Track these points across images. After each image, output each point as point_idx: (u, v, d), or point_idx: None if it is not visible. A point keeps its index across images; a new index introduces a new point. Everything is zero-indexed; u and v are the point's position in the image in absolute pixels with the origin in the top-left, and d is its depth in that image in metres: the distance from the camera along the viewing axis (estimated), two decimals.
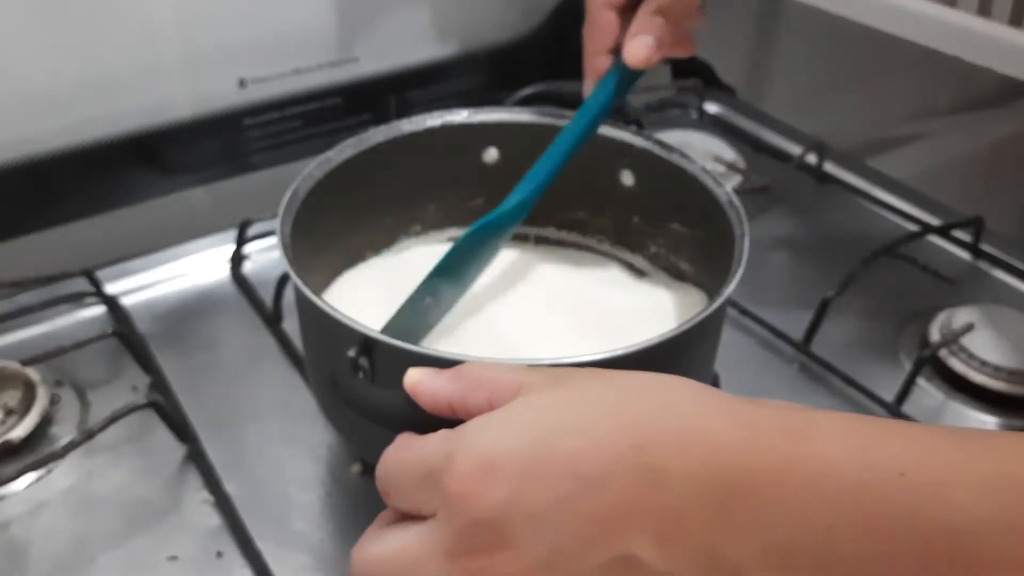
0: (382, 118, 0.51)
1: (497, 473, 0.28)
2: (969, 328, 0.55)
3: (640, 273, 0.53)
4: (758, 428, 0.28)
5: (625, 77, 0.47)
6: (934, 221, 0.67)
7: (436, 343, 0.47)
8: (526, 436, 0.29)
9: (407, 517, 0.32)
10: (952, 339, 0.54)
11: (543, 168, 0.46)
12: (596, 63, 0.47)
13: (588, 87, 0.48)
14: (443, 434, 0.31)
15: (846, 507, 0.27)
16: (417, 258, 0.53)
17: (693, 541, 0.28)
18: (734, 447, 0.28)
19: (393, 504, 0.32)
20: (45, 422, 0.50)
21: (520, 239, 0.55)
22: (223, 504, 0.46)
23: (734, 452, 0.28)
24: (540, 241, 0.56)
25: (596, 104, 0.47)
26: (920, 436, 0.28)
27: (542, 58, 0.75)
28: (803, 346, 0.56)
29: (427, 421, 0.33)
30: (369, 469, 0.48)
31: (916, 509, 0.26)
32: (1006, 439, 0.28)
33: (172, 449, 0.49)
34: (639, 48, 0.45)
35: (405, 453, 0.32)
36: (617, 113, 0.56)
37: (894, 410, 0.52)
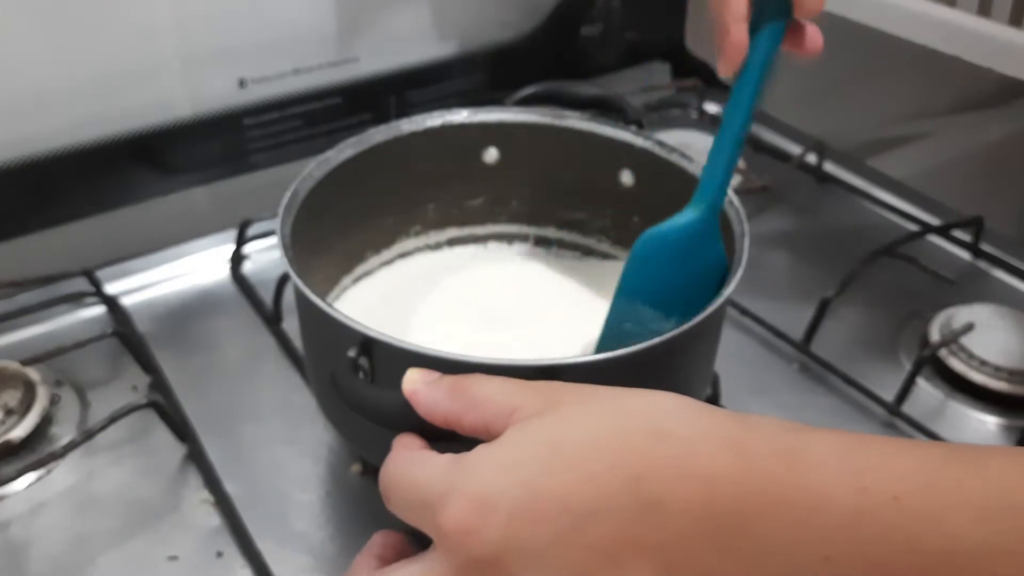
0: (382, 118, 0.51)
1: (492, 513, 0.28)
2: (969, 328, 0.55)
3: None
4: (752, 456, 0.28)
5: (775, 40, 0.41)
6: (934, 221, 0.67)
7: (439, 339, 0.47)
8: (519, 473, 0.29)
9: (397, 549, 0.33)
10: (952, 339, 0.54)
11: (719, 163, 0.42)
12: (736, 33, 0.41)
13: (726, 65, 0.41)
14: (442, 465, 0.31)
15: (842, 536, 0.27)
16: (417, 263, 0.54)
17: (695, 571, 0.28)
18: (729, 478, 0.28)
19: (393, 512, 0.32)
20: (45, 422, 0.50)
21: (520, 239, 0.55)
22: (223, 504, 0.46)
23: (729, 483, 0.28)
24: (540, 242, 0.56)
25: (756, 72, 0.41)
26: (914, 457, 0.28)
27: (542, 58, 0.74)
28: (803, 346, 0.56)
29: (426, 422, 0.34)
30: (369, 469, 0.48)
31: (912, 536, 0.26)
32: (1000, 457, 0.27)
33: (172, 449, 0.49)
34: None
35: (406, 470, 0.32)
36: (617, 113, 0.56)
37: (894, 410, 0.52)
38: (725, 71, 0.42)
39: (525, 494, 0.29)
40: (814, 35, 0.42)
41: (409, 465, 0.32)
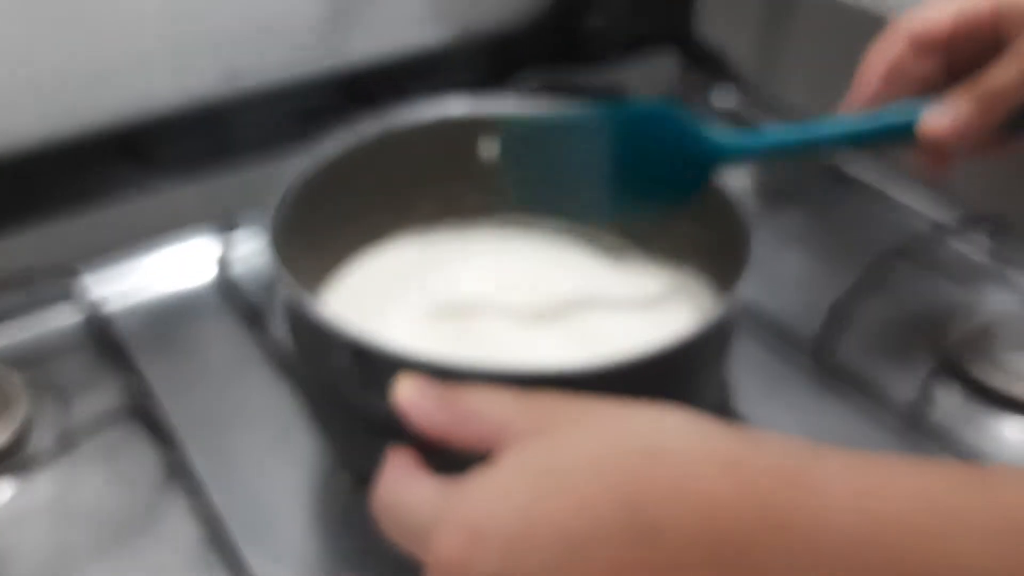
0: (376, 110, 0.51)
1: (485, 543, 0.28)
2: (989, 331, 0.54)
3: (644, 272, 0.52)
4: (752, 478, 0.28)
5: (893, 129, 0.43)
6: (953, 220, 0.65)
7: (432, 340, 0.46)
8: (513, 501, 0.28)
9: None
10: (971, 342, 0.53)
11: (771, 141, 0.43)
12: (867, 80, 0.45)
13: (847, 103, 0.45)
14: (434, 490, 0.31)
15: (845, 561, 0.26)
16: (414, 256, 0.52)
17: None
18: (728, 501, 0.27)
19: (386, 535, 0.32)
20: (25, 429, 0.49)
21: (521, 238, 0.54)
22: (209, 515, 0.45)
23: (728, 506, 0.27)
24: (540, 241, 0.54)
25: (837, 129, 0.43)
26: (921, 478, 0.28)
27: (545, 45, 0.74)
28: (816, 350, 0.55)
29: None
30: (362, 479, 0.46)
31: (918, 563, 0.26)
32: (1010, 479, 0.27)
33: (156, 458, 0.48)
34: (937, 120, 0.42)
35: (397, 494, 0.32)
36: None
37: (911, 416, 0.51)
38: (845, 107, 0.45)
39: (519, 523, 0.28)
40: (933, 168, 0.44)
41: (401, 488, 0.32)
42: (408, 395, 0.33)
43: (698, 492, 0.28)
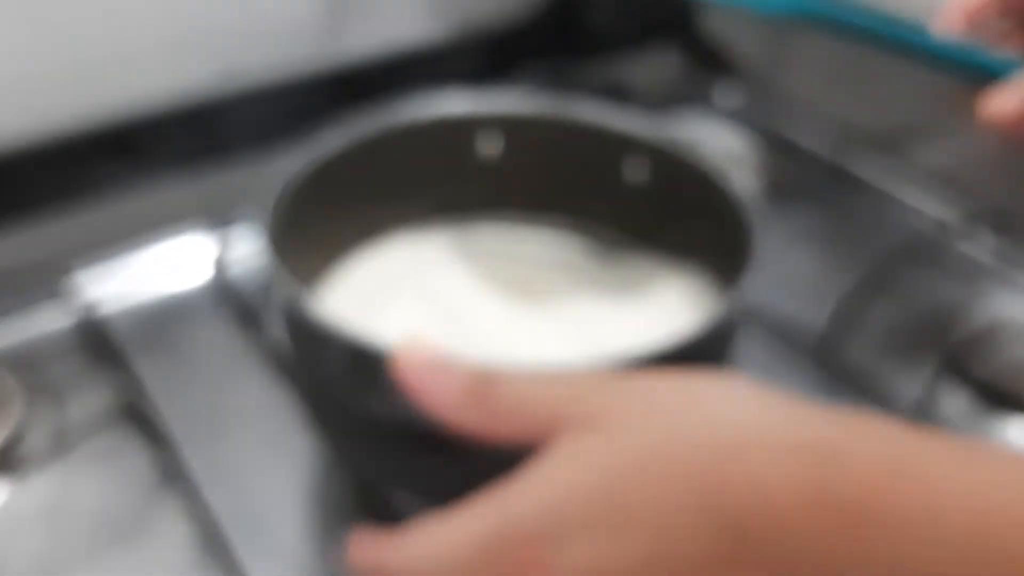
0: (373, 107, 0.50)
1: (556, 551, 0.26)
2: (994, 331, 0.54)
3: (647, 270, 0.51)
4: (854, 468, 0.26)
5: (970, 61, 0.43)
6: (959, 217, 0.65)
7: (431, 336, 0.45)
8: (579, 506, 0.26)
9: None
10: (976, 342, 0.53)
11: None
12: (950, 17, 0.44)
13: (941, 23, 0.44)
14: (478, 514, 0.28)
15: (957, 557, 0.25)
16: (411, 254, 0.52)
17: None
18: (826, 495, 0.25)
19: None
20: (18, 432, 0.48)
21: (521, 236, 0.53)
22: (204, 518, 0.44)
23: (824, 502, 0.25)
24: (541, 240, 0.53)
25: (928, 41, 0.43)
26: None
27: (549, 39, 0.73)
28: (820, 349, 0.54)
29: (428, 434, 0.31)
30: (362, 484, 0.46)
31: None
32: None
33: (151, 460, 0.48)
34: (1000, 105, 0.41)
35: (442, 538, 0.28)
36: (627, 101, 0.55)
37: (915, 417, 0.50)
38: (938, 26, 0.44)
39: (590, 527, 0.26)
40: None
41: (441, 533, 0.28)
42: (418, 373, 0.30)
43: (787, 486, 0.26)
